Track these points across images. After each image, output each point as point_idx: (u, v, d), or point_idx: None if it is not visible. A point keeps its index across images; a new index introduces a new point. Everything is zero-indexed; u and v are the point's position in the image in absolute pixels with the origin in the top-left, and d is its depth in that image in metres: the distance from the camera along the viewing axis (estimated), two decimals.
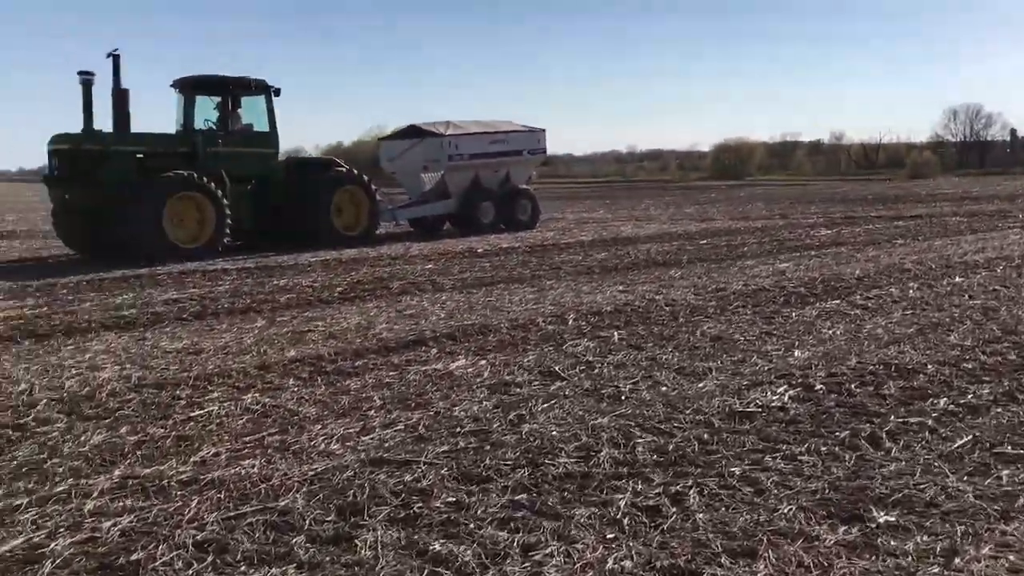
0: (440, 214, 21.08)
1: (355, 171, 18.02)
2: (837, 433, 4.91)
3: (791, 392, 5.75)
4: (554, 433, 5.00)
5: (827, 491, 4.06)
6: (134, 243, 14.83)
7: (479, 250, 16.17)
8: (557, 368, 6.56)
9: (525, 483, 4.24)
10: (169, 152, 15.94)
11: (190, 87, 16.39)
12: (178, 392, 6.15)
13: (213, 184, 15.36)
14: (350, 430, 5.15)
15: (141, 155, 15.69)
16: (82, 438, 5.10)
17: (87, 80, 15.02)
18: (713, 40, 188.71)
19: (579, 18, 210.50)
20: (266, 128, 17.03)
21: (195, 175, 15.18)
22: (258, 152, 16.75)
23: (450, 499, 4.07)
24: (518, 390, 6.01)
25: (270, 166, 16.95)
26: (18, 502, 4.13)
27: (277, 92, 17.11)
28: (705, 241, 17.05)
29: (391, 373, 6.60)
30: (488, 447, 4.79)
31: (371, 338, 7.97)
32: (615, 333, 7.88)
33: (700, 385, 5.99)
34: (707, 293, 10.06)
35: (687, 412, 5.33)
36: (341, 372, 6.67)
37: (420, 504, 4.02)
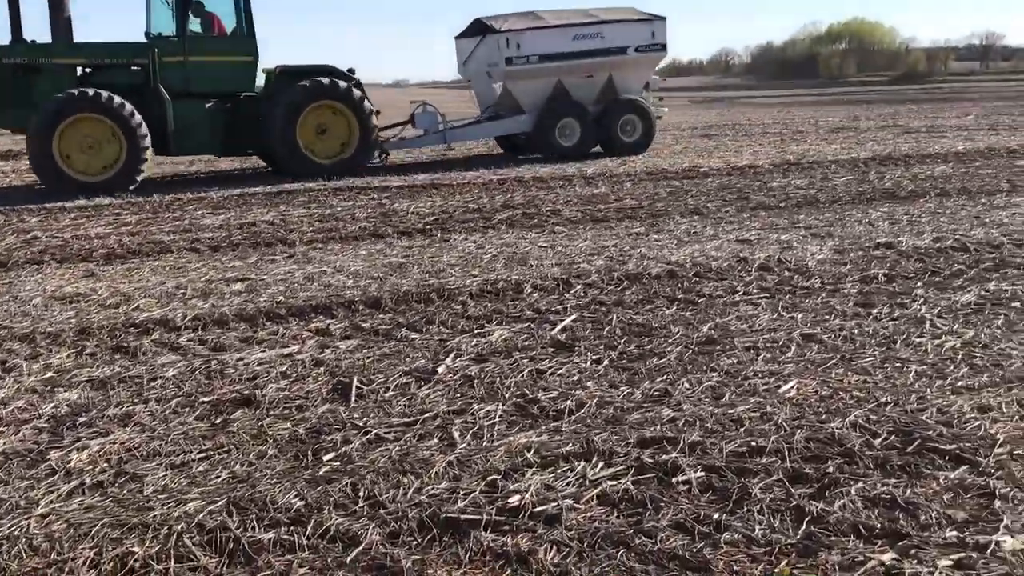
0: (512, 133, 16.48)
1: (343, 84, 13.76)
2: None
3: None
4: None
5: None
6: (38, 175, 12.78)
7: (526, 177, 13.70)
8: None
9: None
10: (120, 64, 13.25)
11: None
12: None
13: (123, 102, 12.35)
14: None
15: (84, 69, 13.29)
16: None
17: None
18: None
19: None
20: (240, 31, 13.66)
21: (91, 92, 12.34)
22: (229, 61, 13.52)
23: None
24: None
25: (247, 78, 13.69)
26: None
27: None
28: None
29: None
30: None
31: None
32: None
33: None
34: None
35: None
36: None
37: None
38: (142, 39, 13.80)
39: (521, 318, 5.78)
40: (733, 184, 11.91)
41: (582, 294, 6.33)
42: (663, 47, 16.23)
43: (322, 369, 4.87)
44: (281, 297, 6.41)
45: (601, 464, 3.57)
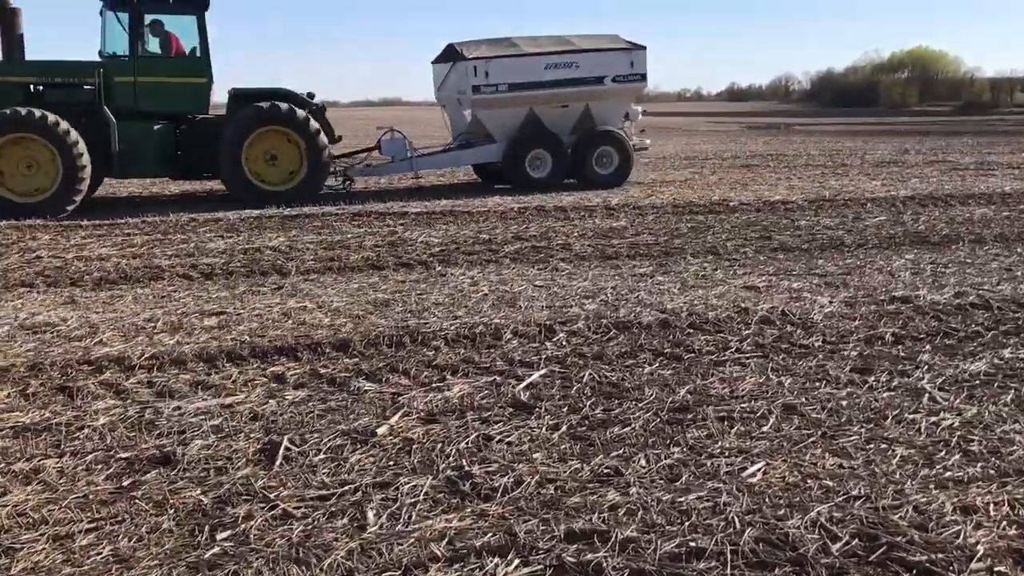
0: (482, 163, 15.95)
1: (293, 109, 13.18)
2: None
3: None
4: None
5: None
6: None
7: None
8: None
9: None
10: (70, 83, 12.88)
11: (107, 2, 13.18)
12: None
13: (62, 123, 11.99)
14: None
15: (35, 88, 12.87)
16: None
17: None
18: None
19: None
20: (194, 52, 13.35)
21: (25, 111, 11.94)
22: (180, 83, 13.17)
23: None
24: None
25: (198, 99, 13.36)
26: None
27: (205, 5, 13.20)
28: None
29: None
30: None
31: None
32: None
33: None
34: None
35: None
36: None
37: None
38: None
39: (490, 369, 5.41)
40: (759, 221, 11.41)
41: (563, 343, 5.93)
42: (642, 77, 15.63)
43: (258, 424, 4.55)
44: (247, 336, 6.12)
45: (517, 562, 3.18)
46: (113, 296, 7.53)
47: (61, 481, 3.90)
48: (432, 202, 13.63)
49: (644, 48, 15.53)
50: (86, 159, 12.28)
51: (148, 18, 13.09)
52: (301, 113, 13.33)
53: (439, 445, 4.26)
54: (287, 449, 4.21)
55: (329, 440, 4.32)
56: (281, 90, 13.70)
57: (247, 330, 6.32)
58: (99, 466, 4.05)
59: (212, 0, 13.22)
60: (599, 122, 15.44)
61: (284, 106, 13.21)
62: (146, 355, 5.70)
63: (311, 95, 14.18)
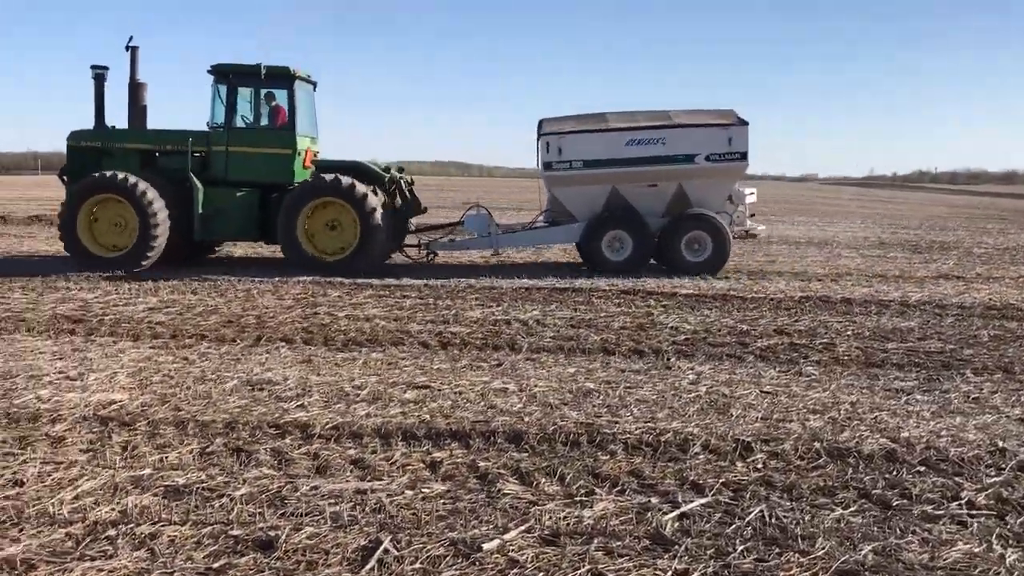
0: (565, 242, 15.14)
1: (351, 182, 13.35)
2: None
3: None
4: None
5: None
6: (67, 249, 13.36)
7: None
8: None
9: None
10: (175, 151, 13.86)
11: (214, 75, 13.86)
12: None
13: (146, 187, 12.94)
14: None
15: (149, 153, 14.06)
16: None
17: (99, 75, 13.91)
18: None
19: None
20: (286, 124, 13.88)
21: (114, 175, 12.97)
22: (266, 153, 13.77)
23: None
24: None
25: (284, 169, 13.81)
26: None
27: (291, 79, 13.75)
28: None
29: None
30: None
31: None
32: None
33: None
34: None
35: None
36: None
37: None
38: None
39: (654, 488, 4.83)
40: None
41: (756, 466, 5.18)
42: (742, 156, 13.83)
43: (376, 517, 4.37)
44: (430, 416, 6.03)
45: None
46: (347, 359, 7.84)
47: (166, 552, 3.96)
48: (716, 284, 12.98)
49: (745, 124, 13.91)
50: (161, 219, 13.11)
51: (247, 92, 13.88)
52: (359, 187, 13.42)
53: (541, 575, 3.80)
54: (385, 551, 3.97)
55: (432, 548, 4.03)
56: (354, 162, 14.21)
57: (437, 408, 6.24)
58: (208, 541, 4.08)
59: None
60: (696, 203, 14.06)
61: (342, 179, 13.41)
62: (330, 424, 5.80)
63: (400, 168, 14.77)
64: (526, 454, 5.37)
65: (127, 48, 14.03)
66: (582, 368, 7.57)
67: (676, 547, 4.10)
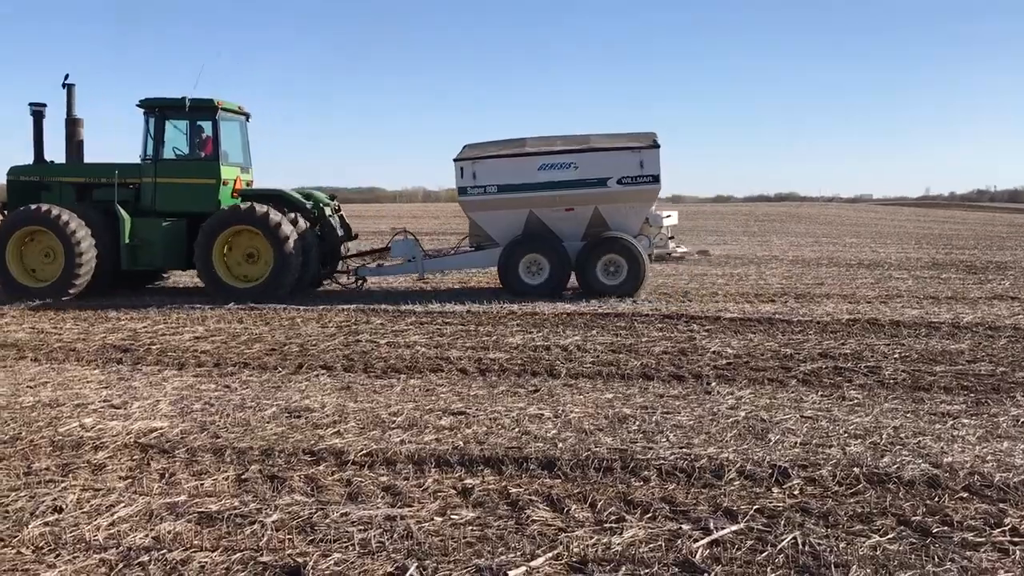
0: (487, 266, 15.02)
1: (264, 210, 13.45)
2: None
3: None
4: None
5: None
6: None
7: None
8: None
9: None
10: (103, 184, 14.22)
11: (143, 109, 14.15)
12: None
13: (70, 219, 13.22)
14: None
15: (85, 186, 14.39)
16: None
17: (37, 112, 14.38)
18: None
19: None
20: (207, 155, 14.19)
21: (39, 207, 13.32)
22: (190, 183, 14.02)
23: None
24: None
25: (208, 199, 14.04)
26: None
27: (214, 111, 13.99)
28: None
29: None
30: None
31: None
32: None
33: None
34: None
35: None
36: None
37: None
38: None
39: (686, 515, 4.76)
40: None
41: (792, 492, 5.09)
42: (655, 179, 13.73)
43: (404, 544, 4.37)
44: (463, 442, 6.03)
45: None
46: (385, 386, 7.89)
47: None
48: (761, 307, 12.82)
49: (657, 147, 13.76)
50: (85, 248, 13.35)
51: (183, 124, 14.19)
52: (272, 215, 13.52)
53: None
54: None
55: (458, 575, 4.01)
56: (276, 190, 14.50)
57: (471, 434, 6.24)
58: (238, 567, 4.12)
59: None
60: (614, 227, 13.96)
61: (256, 207, 13.52)
62: (364, 451, 5.84)
63: (332, 196, 15.14)
64: (558, 480, 5.34)
65: (63, 85, 14.44)
66: (620, 393, 7.52)
67: (705, 574, 4.03)
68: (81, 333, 10.63)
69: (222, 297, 13.54)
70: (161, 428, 6.40)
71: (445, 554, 4.26)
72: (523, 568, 4.08)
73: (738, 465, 5.49)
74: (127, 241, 13.79)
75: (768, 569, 4.08)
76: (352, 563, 4.15)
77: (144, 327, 11.09)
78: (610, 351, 9.47)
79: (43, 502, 4.93)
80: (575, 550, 4.30)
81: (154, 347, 9.67)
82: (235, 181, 14.55)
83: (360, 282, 15.62)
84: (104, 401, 7.23)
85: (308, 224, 14.30)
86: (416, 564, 4.10)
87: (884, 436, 6.17)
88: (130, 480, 5.33)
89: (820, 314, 12.05)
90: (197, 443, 6.03)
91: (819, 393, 7.54)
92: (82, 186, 14.42)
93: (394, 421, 6.63)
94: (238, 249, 13.91)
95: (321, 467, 5.58)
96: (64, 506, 4.87)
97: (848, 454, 5.75)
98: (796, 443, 6.01)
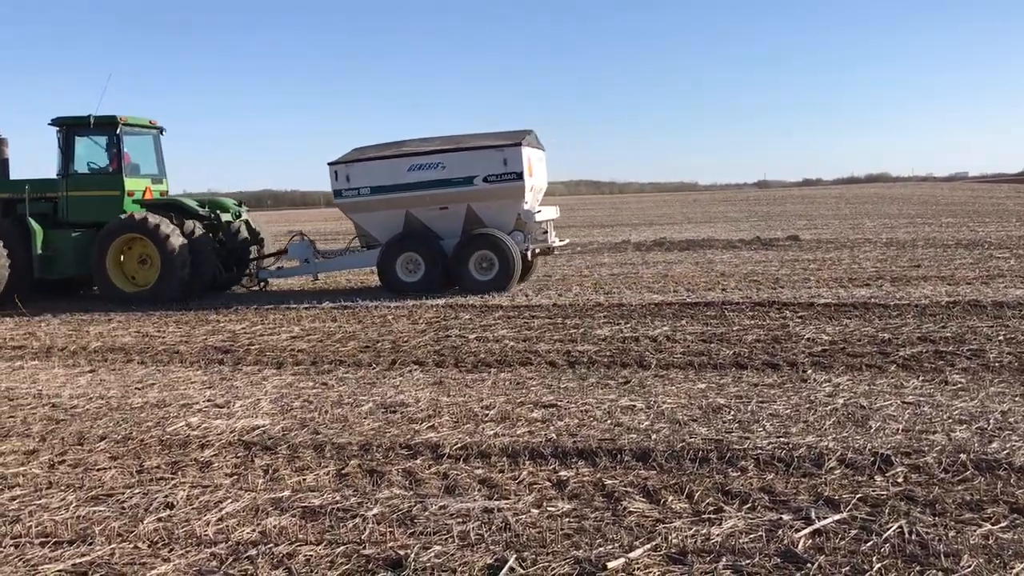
0: (366, 267, 15.66)
1: (144, 216, 14.18)
2: None
3: None
4: None
5: None
6: None
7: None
8: None
9: None
10: (18, 199, 14.90)
11: (55, 127, 14.87)
12: None
13: None
14: None
15: (9, 201, 15.04)
16: None
17: None
18: None
19: None
20: (113, 168, 14.92)
21: None
22: (96, 196, 14.80)
23: None
24: None
25: (113, 210, 14.69)
26: None
27: (115, 126, 14.65)
28: None
29: None
30: None
31: None
32: None
33: None
34: None
35: None
36: None
37: None
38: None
39: (786, 504, 4.69)
40: None
41: (896, 480, 4.96)
42: (518, 176, 13.85)
43: (503, 536, 4.42)
44: (557, 435, 6.05)
45: None
46: (476, 380, 7.97)
47: (302, 571, 4.13)
48: (856, 292, 12.51)
49: (518, 145, 13.82)
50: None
51: (81, 140, 14.88)
52: (151, 220, 14.07)
53: None
54: (511, 570, 4.01)
55: (557, 566, 4.04)
56: (171, 199, 15.40)
57: (564, 427, 6.26)
58: (342, 560, 4.22)
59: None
60: (489, 224, 14.20)
61: (140, 216, 14.19)
62: (459, 444, 5.92)
63: (240, 203, 16.10)
64: (653, 471, 5.32)
65: None
66: (712, 384, 7.43)
67: (809, 565, 3.96)
68: (183, 336, 11.03)
69: (114, 300, 14.40)
70: (263, 426, 6.60)
71: (543, 546, 4.29)
72: (622, 559, 4.07)
73: (838, 453, 5.38)
74: (39, 252, 14.61)
75: (874, 559, 3.99)
76: (452, 555, 4.22)
77: (242, 328, 11.44)
78: (701, 341, 9.37)
79: (155, 499, 5.14)
80: (673, 541, 4.27)
81: (253, 347, 9.96)
82: (144, 192, 15.41)
83: (262, 284, 16.37)
84: (208, 401, 7.50)
85: (204, 231, 14.94)
86: (515, 556, 4.14)
87: (991, 421, 5.96)
88: (236, 476, 5.52)
89: (918, 297, 11.69)
90: (298, 440, 6.20)
91: (920, 378, 7.31)
92: (6, 201, 15.24)
93: (487, 415, 6.69)
94: (134, 255, 14.73)
95: (418, 461, 5.68)
96: (175, 502, 5.07)
97: (954, 440, 5.58)
98: (898, 430, 5.85)
